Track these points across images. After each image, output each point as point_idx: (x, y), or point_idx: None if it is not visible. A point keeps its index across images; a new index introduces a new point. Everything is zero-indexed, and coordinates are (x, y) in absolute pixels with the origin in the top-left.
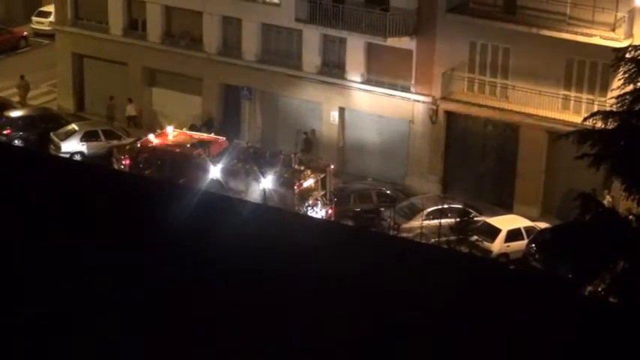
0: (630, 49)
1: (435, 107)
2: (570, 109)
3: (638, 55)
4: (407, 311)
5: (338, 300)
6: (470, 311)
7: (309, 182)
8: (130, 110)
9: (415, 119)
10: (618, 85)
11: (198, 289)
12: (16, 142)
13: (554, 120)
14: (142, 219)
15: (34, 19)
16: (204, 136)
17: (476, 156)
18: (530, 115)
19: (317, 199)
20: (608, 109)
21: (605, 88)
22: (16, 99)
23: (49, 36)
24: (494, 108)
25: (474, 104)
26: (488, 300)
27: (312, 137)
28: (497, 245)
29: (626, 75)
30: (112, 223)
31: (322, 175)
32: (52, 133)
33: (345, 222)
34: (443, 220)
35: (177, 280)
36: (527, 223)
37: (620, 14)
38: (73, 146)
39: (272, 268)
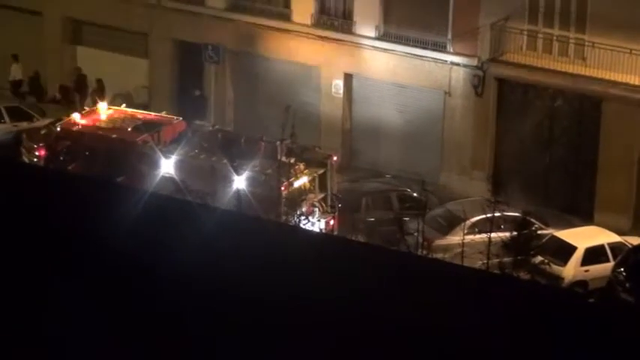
0: None
1: (481, 73)
2: None
3: None
4: None
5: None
6: None
7: (302, 181)
8: (16, 72)
9: (453, 90)
10: None
11: (143, 327)
12: None
13: None
14: (65, 234)
15: None
16: (152, 115)
17: (540, 142)
18: (616, 84)
19: (313, 205)
20: None
21: None
22: None
23: None
24: (565, 74)
25: (536, 68)
26: (561, 349)
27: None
28: (572, 269)
29: None
30: (21, 239)
31: (321, 171)
32: None
33: (353, 236)
34: (493, 235)
35: (116, 322)
36: (614, 238)
37: None
38: None
39: (249, 302)
